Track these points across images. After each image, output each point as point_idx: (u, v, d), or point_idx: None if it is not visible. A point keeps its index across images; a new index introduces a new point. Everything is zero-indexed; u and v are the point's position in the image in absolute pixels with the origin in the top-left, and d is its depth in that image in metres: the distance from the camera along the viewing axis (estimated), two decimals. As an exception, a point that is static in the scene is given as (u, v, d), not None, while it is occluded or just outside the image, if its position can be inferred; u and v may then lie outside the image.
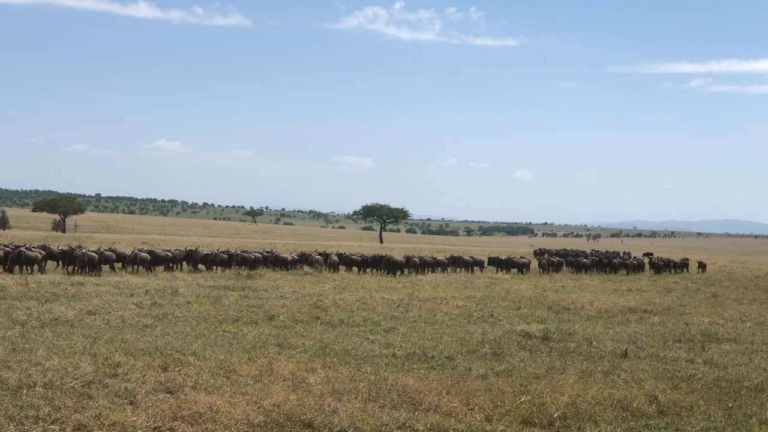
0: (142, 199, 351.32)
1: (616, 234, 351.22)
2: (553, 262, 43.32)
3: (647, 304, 24.33)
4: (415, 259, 37.06)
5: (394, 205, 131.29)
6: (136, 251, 31.04)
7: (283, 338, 15.09)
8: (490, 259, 42.11)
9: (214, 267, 31.79)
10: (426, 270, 37.25)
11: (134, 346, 13.37)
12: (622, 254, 67.15)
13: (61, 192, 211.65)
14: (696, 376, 12.83)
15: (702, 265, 50.45)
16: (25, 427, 8.53)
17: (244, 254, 33.59)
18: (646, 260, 51.76)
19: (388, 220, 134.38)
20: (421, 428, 9.16)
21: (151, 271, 29.80)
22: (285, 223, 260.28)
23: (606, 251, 71.30)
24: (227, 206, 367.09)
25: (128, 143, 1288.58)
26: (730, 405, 10.79)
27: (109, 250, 31.67)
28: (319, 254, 36.63)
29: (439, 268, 38.39)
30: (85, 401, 9.56)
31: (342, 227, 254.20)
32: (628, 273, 44.95)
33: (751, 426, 9.87)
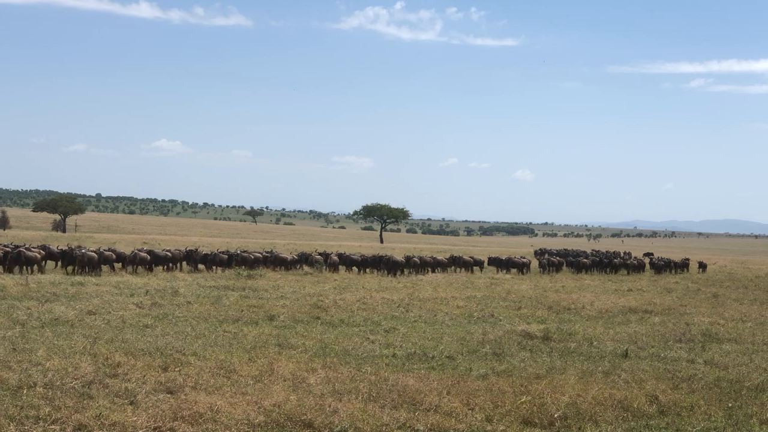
0: (143, 199, 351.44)
1: (617, 234, 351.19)
2: (553, 262, 43.31)
3: (648, 304, 24.33)
4: (416, 259, 37.06)
5: (394, 205, 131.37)
6: (136, 251, 31.04)
7: (284, 338, 15.09)
8: (490, 259, 42.10)
9: (214, 267, 31.80)
10: (426, 270, 37.24)
11: (134, 346, 13.37)
12: (622, 254, 67.14)
13: (62, 192, 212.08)
14: (696, 376, 12.83)
15: (702, 265, 50.43)
16: (26, 427, 8.53)
17: (243, 254, 33.59)
18: (647, 260, 51.73)
19: (388, 220, 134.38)
20: (421, 428, 9.15)
21: (150, 271, 29.80)
22: (285, 223, 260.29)
23: (606, 251, 71.31)
24: (227, 206, 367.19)
25: (129, 143, 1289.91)
26: (730, 405, 10.79)
27: (109, 250, 31.66)
28: (320, 254, 36.63)
29: (439, 268, 38.38)
30: (85, 401, 9.56)
31: (342, 227, 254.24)
32: (628, 273, 44.93)
33: (752, 426, 9.87)
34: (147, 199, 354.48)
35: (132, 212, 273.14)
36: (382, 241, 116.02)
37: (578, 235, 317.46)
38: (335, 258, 35.40)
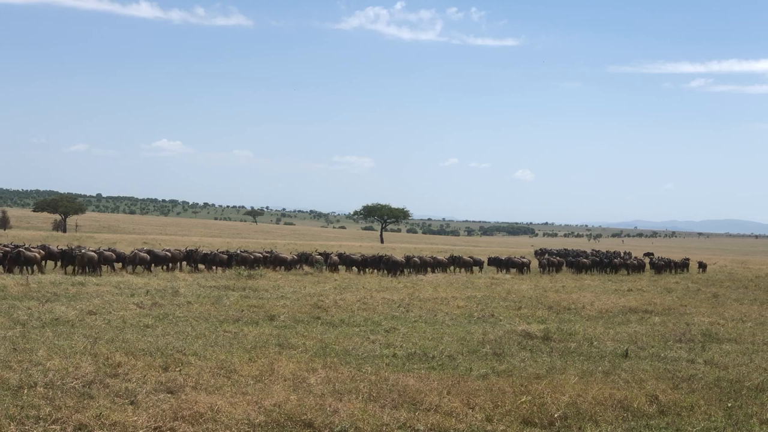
0: (143, 199, 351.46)
1: (617, 234, 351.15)
2: (553, 262, 43.32)
3: (648, 304, 24.33)
4: (416, 259, 37.07)
5: (394, 205, 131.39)
6: (136, 251, 31.05)
7: (284, 338, 15.10)
8: (490, 259, 42.11)
9: (214, 267, 31.81)
10: (426, 270, 37.25)
11: (135, 346, 13.38)
12: (622, 254, 67.12)
13: (62, 192, 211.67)
14: (697, 376, 12.83)
15: (702, 265, 50.43)
16: (26, 427, 8.54)
17: (243, 254, 33.61)
18: (647, 260, 51.73)
19: (388, 220, 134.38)
20: (421, 428, 9.16)
21: (150, 271, 29.80)
22: (286, 223, 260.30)
23: (607, 251, 71.30)
24: (228, 206, 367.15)
25: (129, 143, 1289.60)
26: (730, 405, 10.79)
27: (109, 250, 31.67)
28: (320, 254, 36.64)
29: (439, 269, 38.38)
30: (85, 401, 9.57)
31: (343, 227, 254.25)
32: (628, 273, 44.94)
33: (752, 426, 9.88)
34: (147, 199, 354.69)
35: (132, 212, 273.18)
36: (382, 241, 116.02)
37: (578, 235, 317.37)
38: (335, 258, 35.42)
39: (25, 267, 26.86)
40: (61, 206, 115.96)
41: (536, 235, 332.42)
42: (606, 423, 9.71)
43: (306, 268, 34.71)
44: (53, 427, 8.59)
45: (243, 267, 31.59)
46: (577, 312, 21.94)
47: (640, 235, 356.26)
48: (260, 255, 34.69)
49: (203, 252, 33.48)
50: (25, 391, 9.86)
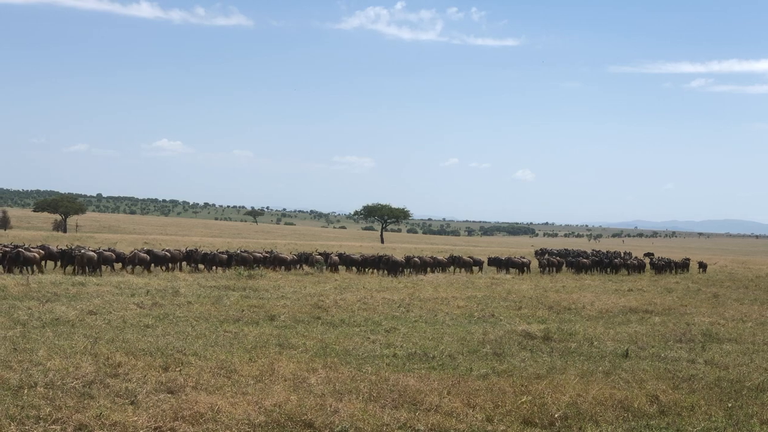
0: (143, 199, 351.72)
1: (618, 234, 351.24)
2: (553, 262, 43.34)
3: (648, 305, 24.33)
4: (416, 259, 37.09)
5: (395, 205, 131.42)
6: (136, 251, 31.06)
7: (284, 338, 15.10)
8: (490, 259, 42.12)
9: (214, 267, 31.83)
10: (426, 270, 37.26)
11: (135, 346, 13.38)
12: (623, 254, 67.12)
13: (62, 192, 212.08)
14: (697, 376, 12.83)
15: (702, 266, 50.43)
16: (27, 427, 8.54)
17: (243, 254, 33.63)
18: (647, 260, 51.74)
19: (389, 220, 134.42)
20: (422, 428, 9.16)
21: (149, 271, 29.79)
22: (286, 223, 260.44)
23: (607, 251, 71.30)
24: (228, 206, 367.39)
25: (129, 143, 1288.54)
26: (731, 405, 10.79)
27: (109, 250, 31.68)
28: (320, 254, 36.66)
29: (439, 268, 38.40)
30: (86, 401, 9.57)
31: (343, 227, 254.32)
32: (629, 273, 44.96)
33: (752, 426, 9.88)
34: (148, 199, 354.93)
35: (133, 212, 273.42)
36: (382, 241, 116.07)
37: (579, 235, 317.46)
38: (335, 258, 35.43)
39: (24, 267, 26.87)
40: (62, 206, 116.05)
41: (536, 235, 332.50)
42: (606, 423, 9.71)
43: (306, 268, 34.73)
44: (53, 427, 8.59)
45: (243, 267, 31.60)
46: (577, 312, 21.94)
47: (640, 235, 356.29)
48: (260, 255, 34.70)
49: (203, 252, 33.50)
50: (26, 391, 9.86)
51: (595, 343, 16.28)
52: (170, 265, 31.63)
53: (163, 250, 33.64)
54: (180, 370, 11.49)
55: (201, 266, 32.54)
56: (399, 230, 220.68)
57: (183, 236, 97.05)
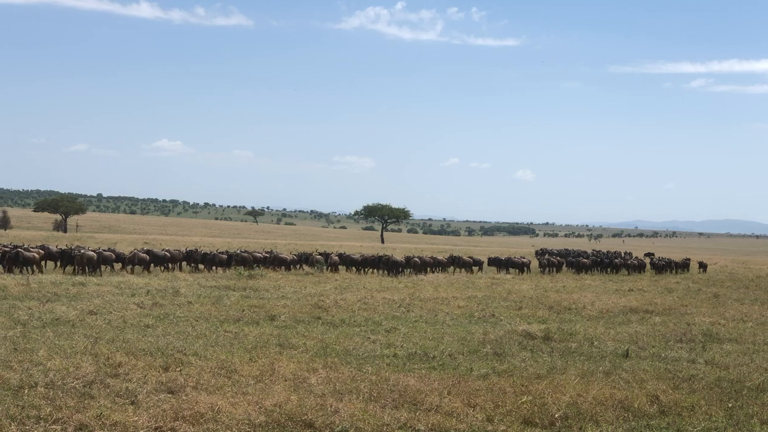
0: (144, 199, 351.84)
1: (618, 234, 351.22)
2: (553, 262, 43.35)
3: (648, 305, 24.33)
4: (416, 260, 37.09)
5: (395, 205, 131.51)
6: (135, 251, 31.07)
7: (285, 338, 15.10)
8: (490, 259, 42.12)
9: (214, 267, 31.83)
10: (426, 270, 37.26)
11: (135, 346, 13.38)
12: (623, 254, 67.11)
13: (63, 192, 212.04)
14: (697, 376, 12.83)
15: (703, 265, 50.43)
16: (27, 427, 8.54)
17: (243, 254, 33.63)
18: (648, 260, 51.74)
19: (389, 220, 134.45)
20: (422, 428, 9.16)
21: (148, 271, 29.77)
22: (286, 223, 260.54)
23: (607, 251, 71.30)
24: (228, 206, 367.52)
25: (129, 143, 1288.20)
26: (731, 405, 10.79)
27: (108, 250, 31.68)
28: (320, 254, 36.67)
29: (438, 268, 38.41)
30: (86, 401, 9.57)
31: (343, 227, 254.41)
32: (629, 273, 44.97)
33: (753, 426, 9.87)
34: (148, 199, 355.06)
35: (133, 212, 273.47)
36: (383, 241, 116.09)
37: (579, 235, 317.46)
38: (336, 258, 35.45)
39: (24, 267, 26.87)
40: (62, 206, 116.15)
41: (537, 235, 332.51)
42: (607, 423, 9.71)
43: (306, 268, 34.74)
44: (54, 427, 8.59)
45: (243, 267, 31.60)
46: (577, 312, 21.94)
47: (640, 235, 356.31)
48: (260, 255, 34.71)
49: (203, 252, 33.51)
50: (26, 391, 9.86)
51: (596, 343, 16.28)
52: (170, 265, 31.63)
53: (162, 250, 33.65)
54: (180, 370, 11.49)
55: (201, 266, 32.54)
56: (399, 230, 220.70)
57: (183, 236, 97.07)
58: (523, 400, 10.40)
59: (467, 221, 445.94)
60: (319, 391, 10.65)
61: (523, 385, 11.38)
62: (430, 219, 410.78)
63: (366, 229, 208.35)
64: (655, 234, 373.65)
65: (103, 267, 28.53)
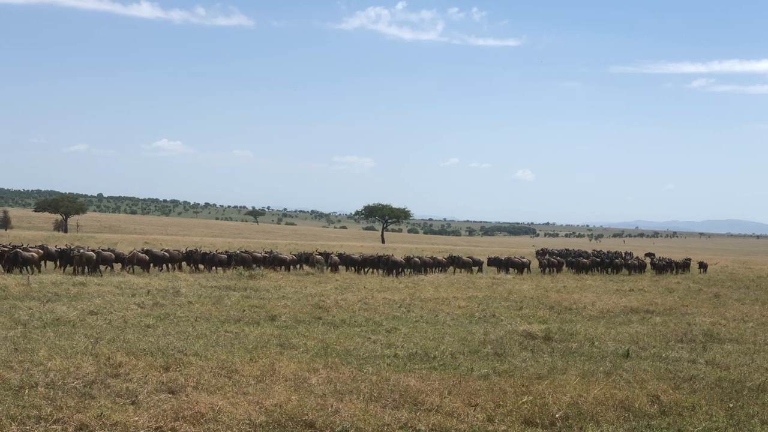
0: (144, 199, 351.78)
1: (618, 234, 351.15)
2: (553, 262, 43.34)
3: (649, 305, 24.32)
4: (416, 260, 37.10)
5: (395, 205, 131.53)
6: (135, 252, 31.07)
7: (285, 338, 15.09)
8: (489, 259, 42.12)
9: (214, 267, 31.83)
10: (426, 270, 37.26)
11: (136, 346, 13.38)
12: (624, 254, 67.08)
13: (63, 192, 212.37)
14: (698, 376, 12.82)
15: (703, 266, 50.43)
16: (27, 427, 8.54)
17: (242, 254, 33.63)
18: (648, 260, 51.72)
19: (389, 221, 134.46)
20: (423, 428, 9.15)
21: (147, 271, 29.76)
22: (287, 223, 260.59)
23: (608, 251, 71.27)
24: (229, 206, 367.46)
25: (129, 143, 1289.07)
26: (732, 405, 10.78)
27: (108, 250, 31.68)
28: (320, 254, 36.67)
29: (438, 268, 38.42)
30: (87, 401, 9.57)
31: (344, 227, 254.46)
32: (629, 273, 44.96)
33: (753, 426, 9.87)
34: (148, 199, 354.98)
35: (134, 212, 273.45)
36: (383, 241, 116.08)
37: (580, 236, 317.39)
38: (336, 258, 35.45)
39: (24, 267, 26.87)
40: (62, 206, 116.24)
41: (537, 235, 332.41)
42: (607, 423, 9.70)
43: (307, 268, 34.74)
44: (54, 427, 8.59)
45: (242, 267, 31.60)
46: (578, 312, 21.93)
47: (641, 235, 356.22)
48: (260, 255, 34.71)
49: (203, 252, 33.50)
50: (27, 391, 9.86)
51: (596, 343, 16.27)
52: (169, 265, 31.63)
53: (162, 250, 33.64)
54: (181, 370, 11.48)
55: (201, 266, 32.54)
56: (400, 230, 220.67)
57: (184, 236, 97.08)
58: (524, 400, 10.39)
59: (467, 221, 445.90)
60: (319, 391, 10.65)
61: (523, 385, 11.38)
62: (430, 219, 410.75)
63: (366, 229, 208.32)
64: (655, 234, 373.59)
65: (102, 267, 28.52)
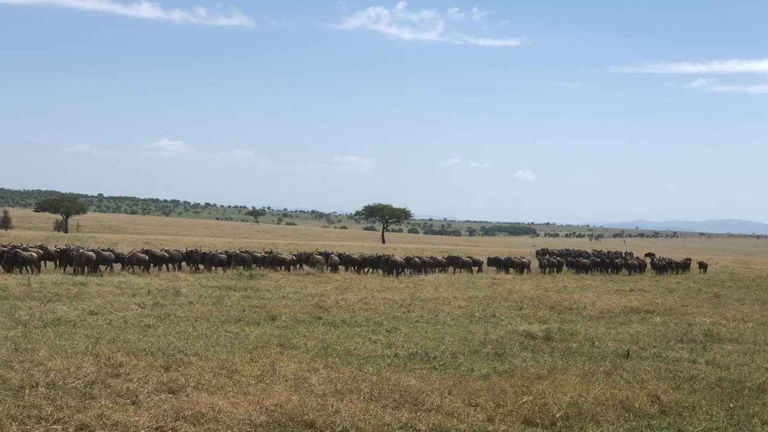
0: (145, 199, 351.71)
1: (619, 234, 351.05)
2: (553, 262, 43.35)
3: (649, 305, 24.32)
4: (416, 260, 37.10)
5: (396, 205, 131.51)
6: (135, 252, 31.07)
7: (286, 338, 15.10)
8: (489, 259, 42.14)
9: (214, 267, 31.83)
10: (426, 270, 37.26)
11: (136, 346, 13.38)
12: (624, 254, 67.08)
13: (64, 192, 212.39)
14: (698, 376, 12.82)
15: (703, 266, 50.44)
16: (28, 427, 8.54)
17: (242, 254, 33.63)
18: (648, 260, 51.72)
19: (390, 221, 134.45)
20: (423, 428, 9.16)
21: (147, 271, 29.76)
22: (287, 223, 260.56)
23: (608, 251, 71.28)
24: (229, 206, 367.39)
25: (130, 143, 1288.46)
26: (732, 405, 10.78)
27: (108, 250, 31.67)
28: (320, 254, 36.68)
29: (438, 268, 38.42)
30: (87, 401, 9.57)
31: (344, 227, 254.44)
32: (630, 273, 44.97)
33: (753, 426, 9.87)
34: (149, 199, 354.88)
35: (134, 212, 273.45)
36: (383, 242, 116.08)
37: (580, 236, 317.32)
38: (336, 258, 35.45)
39: (24, 267, 26.88)
40: (63, 206, 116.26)
41: (538, 235, 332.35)
42: (607, 423, 9.71)
43: (307, 268, 34.75)
44: (55, 427, 8.59)
45: (242, 267, 31.61)
46: (578, 312, 21.93)
47: (641, 235, 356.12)
48: (260, 255, 34.71)
49: (202, 252, 33.51)
50: (27, 391, 9.86)
51: (597, 343, 16.27)
52: (169, 265, 31.63)
53: (162, 250, 33.64)
54: (181, 370, 11.48)
55: (201, 266, 32.54)
56: (400, 230, 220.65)
57: (184, 236, 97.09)
58: (524, 400, 10.39)
59: (468, 221, 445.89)
60: (320, 391, 10.65)
61: (524, 385, 11.38)
62: (430, 219, 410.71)
63: (367, 229, 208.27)
64: (655, 234, 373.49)
65: (102, 267, 28.52)
